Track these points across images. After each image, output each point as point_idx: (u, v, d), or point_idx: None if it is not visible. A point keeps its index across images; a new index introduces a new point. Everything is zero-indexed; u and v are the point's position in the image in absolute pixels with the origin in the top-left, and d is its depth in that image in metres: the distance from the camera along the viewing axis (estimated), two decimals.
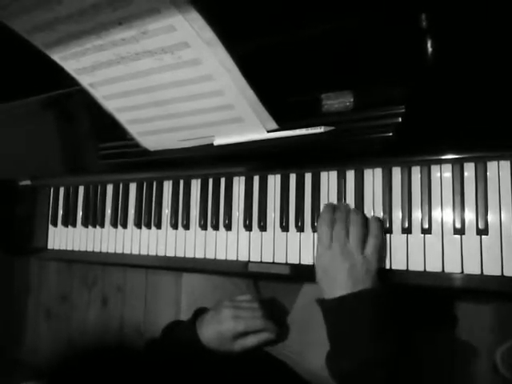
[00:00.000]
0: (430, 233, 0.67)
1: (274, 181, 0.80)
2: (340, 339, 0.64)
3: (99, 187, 1.00)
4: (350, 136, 0.68)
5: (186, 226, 0.88)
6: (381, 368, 0.60)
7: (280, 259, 0.78)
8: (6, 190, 1.06)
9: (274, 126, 0.71)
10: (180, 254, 0.88)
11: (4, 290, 2.12)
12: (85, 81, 0.71)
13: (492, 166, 0.64)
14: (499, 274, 0.63)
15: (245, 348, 0.76)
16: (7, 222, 1.07)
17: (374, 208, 0.71)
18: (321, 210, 0.75)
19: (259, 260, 0.80)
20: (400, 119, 0.64)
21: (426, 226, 0.67)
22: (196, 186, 0.88)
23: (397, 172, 0.70)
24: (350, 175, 0.74)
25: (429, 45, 0.61)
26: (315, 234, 0.76)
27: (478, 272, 0.64)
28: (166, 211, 0.91)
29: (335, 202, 0.74)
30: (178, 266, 0.90)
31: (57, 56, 0.67)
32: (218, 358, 0.74)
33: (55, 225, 1.06)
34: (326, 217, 0.69)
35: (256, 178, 0.82)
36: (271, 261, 0.79)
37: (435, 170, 0.68)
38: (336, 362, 0.65)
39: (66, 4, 0.57)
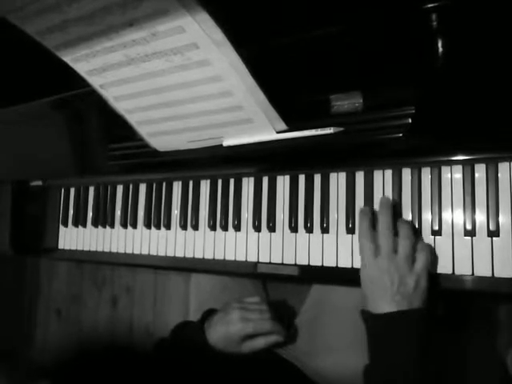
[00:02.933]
0: (441, 234, 0.67)
1: (283, 182, 0.80)
2: (382, 355, 0.62)
3: (109, 188, 1.01)
4: (359, 137, 0.67)
5: (195, 227, 0.88)
6: None
7: (289, 260, 0.78)
8: (18, 191, 1.08)
9: (284, 126, 0.70)
10: (189, 255, 0.89)
11: (15, 290, 2.14)
12: (95, 82, 0.71)
13: (503, 167, 0.64)
14: (511, 276, 0.62)
15: (253, 350, 0.75)
16: (18, 223, 1.08)
17: None
18: (330, 211, 0.74)
19: (268, 261, 0.80)
20: (410, 120, 0.64)
21: (436, 227, 0.67)
22: (205, 186, 0.88)
23: (407, 173, 0.70)
24: (360, 176, 0.73)
25: (439, 45, 0.61)
26: (324, 235, 0.75)
27: (489, 274, 0.63)
28: (176, 212, 0.92)
29: (344, 203, 0.74)
30: (186, 266, 0.90)
31: (68, 58, 0.67)
32: (225, 359, 0.74)
33: (66, 225, 1.07)
34: (365, 225, 0.66)
35: (265, 179, 0.82)
36: (280, 262, 0.79)
37: (445, 171, 0.67)
38: (374, 375, 0.63)
39: (76, 6, 0.57)
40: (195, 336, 0.76)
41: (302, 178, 0.78)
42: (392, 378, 0.60)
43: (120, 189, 0.99)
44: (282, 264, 0.79)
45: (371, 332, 0.64)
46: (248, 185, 0.84)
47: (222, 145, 0.76)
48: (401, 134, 0.64)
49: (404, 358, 0.60)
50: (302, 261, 0.77)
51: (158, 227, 0.93)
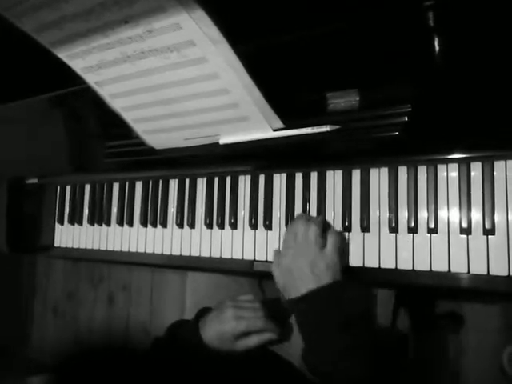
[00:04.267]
0: (437, 232, 0.67)
1: (279, 180, 0.80)
2: (310, 335, 0.65)
3: (105, 186, 1.00)
4: (355, 135, 0.67)
5: (192, 225, 0.88)
6: (351, 357, 0.60)
7: None
8: (14, 189, 1.07)
9: (280, 124, 0.70)
10: (185, 253, 0.89)
11: (11, 288, 2.13)
12: (91, 79, 0.71)
13: (499, 166, 0.64)
14: (506, 274, 0.62)
15: (246, 348, 0.76)
16: (14, 220, 1.08)
17: (379, 207, 0.71)
18: (326, 209, 0.75)
19: (265, 259, 0.80)
20: (406, 118, 0.64)
21: (432, 225, 0.67)
22: (202, 184, 0.88)
23: (403, 171, 0.70)
24: (356, 174, 0.73)
25: (436, 43, 0.61)
26: None
27: (485, 272, 0.63)
28: (172, 210, 0.91)
29: (341, 201, 0.74)
30: (183, 264, 0.90)
31: (63, 54, 0.67)
32: (222, 358, 0.75)
33: (62, 223, 1.07)
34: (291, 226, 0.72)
35: (262, 177, 0.82)
36: None
37: (442, 170, 0.67)
38: (310, 359, 0.65)
39: (73, 3, 0.57)
40: (190, 334, 0.76)
41: (298, 176, 0.78)
42: (322, 354, 0.62)
43: (116, 187, 0.99)
44: None
45: (298, 316, 0.67)
46: (244, 183, 0.83)
47: (218, 143, 0.76)
48: (397, 133, 0.65)
49: (324, 331, 0.62)
50: None
51: (154, 225, 0.93)
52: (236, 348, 0.75)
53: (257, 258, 0.81)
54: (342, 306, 0.63)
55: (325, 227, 0.71)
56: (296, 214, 0.77)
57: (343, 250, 0.70)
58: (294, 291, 0.66)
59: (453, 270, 0.65)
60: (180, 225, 0.89)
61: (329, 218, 0.75)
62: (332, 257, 0.66)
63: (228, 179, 0.85)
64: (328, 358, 0.62)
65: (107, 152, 0.90)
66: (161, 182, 0.93)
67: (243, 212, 0.83)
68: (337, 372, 0.61)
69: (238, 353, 0.75)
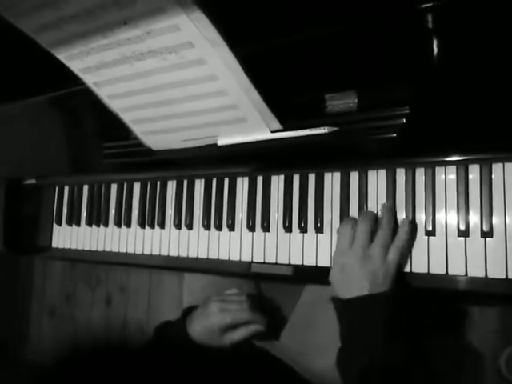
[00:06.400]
0: (434, 235, 0.67)
1: (277, 181, 0.80)
2: (353, 338, 0.64)
3: (103, 186, 1.00)
4: (353, 137, 0.67)
5: (190, 226, 0.88)
6: (391, 369, 0.60)
7: (283, 260, 0.78)
8: (11, 189, 1.07)
9: (278, 126, 0.70)
10: (183, 254, 0.89)
11: (8, 289, 2.12)
12: (89, 80, 0.71)
13: (497, 168, 0.64)
14: (504, 277, 0.62)
15: (235, 341, 0.76)
16: (12, 221, 1.07)
17: (377, 209, 0.71)
18: (324, 211, 0.75)
19: (262, 261, 0.80)
20: (404, 120, 0.64)
21: (429, 227, 0.67)
22: (200, 186, 0.88)
23: (401, 173, 0.70)
24: (354, 176, 0.73)
25: (434, 45, 0.61)
26: (318, 235, 0.75)
27: (483, 275, 0.63)
28: (170, 211, 0.91)
29: (338, 203, 0.74)
30: (180, 265, 0.90)
31: (62, 55, 0.67)
32: (212, 355, 0.75)
33: (59, 224, 1.07)
34: (351, 219, 0.69)
35: (259, 179, 0.82)
36: (274, 261, 0.79)
37: (440, 172, 0.67)
38: (347, 361, 0.65)
39: (72, 3, 0.57)
40: (178, 332, 0.76)
41: (296, 178, 0.78)
42: (362, 360, 0.62)
43: (114, 187, 0.99)
44: (276, 264, 0.79)
45: (341, 318, 0.66)
46: (242, 184, 0.83)
47: (216, 144, 0.76)
48: (395, 135, 0.65)
49: (370, 337, 0.62)
50: (296, 261, 0.77)
51: (152, 226, 0.93)
52: (225, 342, 0.75)
53: (254, 260, 0.81)
54: (392, 318, 0.62)
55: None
56: (353, 208, 0.74)
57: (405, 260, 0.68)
58: (342, 291, 0.66)
59: (450, 272, 0.65)
60: (178, 226, 0.89)
61: (326, 220, 0.75)
62: (392, 265, 0.64)
63: (226, 180, 0.85)
64: (365, 365, 0.61)
65: (105, 153, 0.90)
66: (159, 183, 0.93)
67: (241, 213, 0.83)
68: (369, 380, 0.61)
69: (228, 347, 0.75)
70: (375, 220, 0.68)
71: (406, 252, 0.67)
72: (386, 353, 0.61)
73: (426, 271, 0.67)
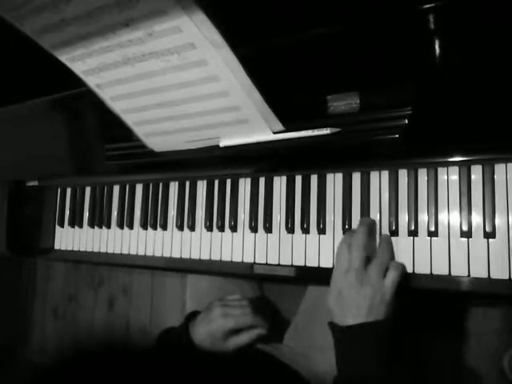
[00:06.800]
0: (437, 235, 0.67)
1: (279, 182, 0.80)
2: (349, 367, 0.63)
3: (106, 188, 1.01)
4: (356, 138, 0.67)
5: (192, 227, 0.88)
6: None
7: (285, 261, 0.78)
8: (14, 191, 1.07)
9: (280, 127, 0.70)
10: (185, 256, 0.89)
11: (11, 290, 2.13)
12: (92, 82, 0.71)
13: (500, 169, 0.64)
14: (507, 277, 0.62)
15: (238, 346, 0.76)
16: (15, 223, 1.08)
17: (380, 210, 0.71)
18: (326, 212, 0.75)
19: (265, 262, 0.80)
20: (407, 121, 0.64)
21: (432, 228, 0.67)
22: (202, 187, 0.88)
23: (403, 174, 0.70)
24: (356, 177, 0.73)
25: (436, 46, 0.61)
26: (321, 236, 0.75)
27: (485, 275, 0.63)
28: (172, 212, 0.91)
29: (341, 205, 0.74)
30: (183, 267, 0.90)
31: (64, 57, 0.67)
32: (215, 359, 0.75)
33: (62, 225, 1.07)
34: (350, 236, 0.68)
35: (262, 180, 0.82)
36: (276, 263, 0.79)
37: (442, 173, 0.67)
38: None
39: (73, 5, 0.57)
40: (181, 338, 0.76)
41: (298, 179, 0.78)
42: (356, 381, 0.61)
43: (116, 189, 0.99)
44: (279, 265, 0.79)
45: (337, 345, 0.65)
46: (245, 185, 0.83)
47: (218, 145, 0.76)
48: (397, 135, 0.64)
49: (365, 368, 0.60)
50: (299, 262, 0.77)
51: (154, 228, 0.93)
52: (228, 347, 0.75)
53: (257, 261, 0.81)
54: (387, 346, 0.61)
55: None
56: (355, 209, 0.73)
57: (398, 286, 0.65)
58: (339, 316, 0.64)
59: (453, 273, 0.65)
60: (180, 227, 0.89)
61: (329, 220, 0.75)
62: (389, 291, 0.63)
63: (228, 182, 0.85)
64: None
65: (108, 154, 0.90)
66: (161, 184, 0.93)
67: (243, 215, 0.83)
68: None
69: (231, 352, 0.75)
70: (372, 231, 0.68)
71: (402, 279, 0.65)
72: (380, 381, 0.60)
73: (428, 272, 0.67)
